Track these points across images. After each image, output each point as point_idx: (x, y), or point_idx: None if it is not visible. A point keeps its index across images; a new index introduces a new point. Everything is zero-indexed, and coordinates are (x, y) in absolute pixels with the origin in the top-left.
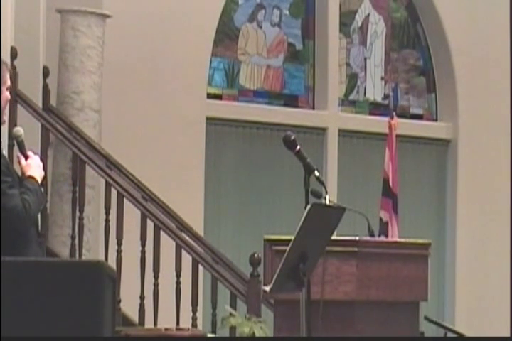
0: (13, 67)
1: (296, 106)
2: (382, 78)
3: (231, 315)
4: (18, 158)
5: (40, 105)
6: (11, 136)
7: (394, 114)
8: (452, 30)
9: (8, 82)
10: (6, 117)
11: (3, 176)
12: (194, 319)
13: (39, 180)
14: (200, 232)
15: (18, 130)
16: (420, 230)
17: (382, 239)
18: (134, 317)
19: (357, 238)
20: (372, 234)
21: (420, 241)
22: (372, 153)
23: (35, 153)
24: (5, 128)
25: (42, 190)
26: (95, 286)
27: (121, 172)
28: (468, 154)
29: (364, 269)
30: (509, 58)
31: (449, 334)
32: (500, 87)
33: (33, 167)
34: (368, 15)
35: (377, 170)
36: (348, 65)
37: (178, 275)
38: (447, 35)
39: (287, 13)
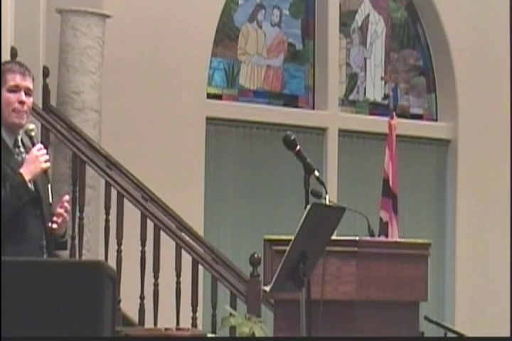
0: None
1: (296, 106)
2: (382, 78)
3: (231, 315)
4: None
5: (40, 105)
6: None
7: (394, 114)
8: (452, 30)
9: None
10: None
11: None
12: (194, 319)
13: (26, 177)
14: (200, 232)
15: (29, 125)
16: (420, 230)
17: (382, 239)
18: (134, 317)
19: (357, 238)
20: (372, 234)
21: (420, 241)
22: (372, 153)
23: (44, 147)
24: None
25: (28, 185)
26: (95, 286)
27: (121, 172)
28: (468, 154)
29: (364, 269)
30: (509, 58)
31: (449, 334)
32: (500, 87)
33: (27, 162)
34: (368, 15)
35: (377, 170)
36: (348, 64)
37: (178, 276)
38: (447, 35)
39: (287, 13)
